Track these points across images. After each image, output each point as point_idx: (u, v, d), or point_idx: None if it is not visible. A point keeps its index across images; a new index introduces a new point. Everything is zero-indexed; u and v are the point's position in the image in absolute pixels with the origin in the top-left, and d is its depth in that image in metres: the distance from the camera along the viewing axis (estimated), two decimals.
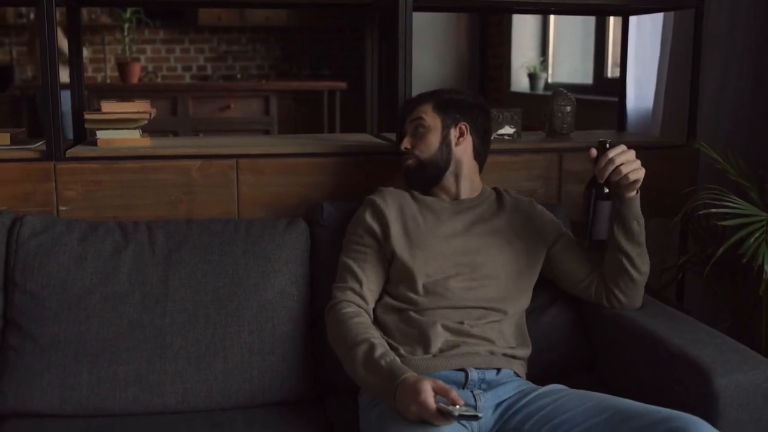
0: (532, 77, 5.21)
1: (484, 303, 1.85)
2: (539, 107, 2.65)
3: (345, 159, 2.25)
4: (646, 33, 3.34)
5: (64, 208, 2.11)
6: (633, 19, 2.97)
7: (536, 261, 1.97)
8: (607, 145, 1.80)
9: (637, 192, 1.85)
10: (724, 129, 2.76)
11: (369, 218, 1.93)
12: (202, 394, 1.86)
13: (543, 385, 1.75)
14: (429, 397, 1.48)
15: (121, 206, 2.14)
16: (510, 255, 1.93)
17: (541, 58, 5.32)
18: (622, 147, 1.80)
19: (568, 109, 2.52)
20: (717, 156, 2.30)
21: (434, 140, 1.98)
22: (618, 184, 1.82)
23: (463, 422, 1.57)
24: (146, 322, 1.88)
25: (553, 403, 1.66)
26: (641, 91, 3.37)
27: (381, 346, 1.68)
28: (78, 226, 1.98)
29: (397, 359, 1.64)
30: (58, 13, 2.16)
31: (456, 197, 2.00)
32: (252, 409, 1.87)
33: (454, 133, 1.99)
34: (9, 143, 2.17)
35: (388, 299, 1.88)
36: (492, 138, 2.12)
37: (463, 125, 2.00)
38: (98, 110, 2.23)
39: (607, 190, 1.82)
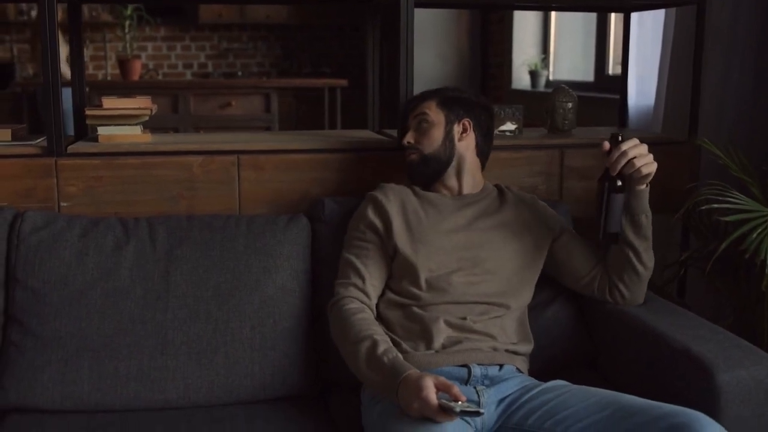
0: (533, 75, 5.21)
1: (486, 298, 1.85)
2: (540, 105, 2.64)
3: (346, 155, 2.25)
4: (648, 29, 3.33)
5: (65, 204, 2.11)
6: (634, 16, 2.96)
7: (539, 256, 1.97)
8: (620, 138, 1.80)
9: (647, 186, 1.86)
10: (726, 125, 2.76)
11: (371, 214, 1.93)
12: (204, 390, 1.86)
13: (545, 381, 1.75)
14: (431, 393, 1.47)
15: (122, 202, 2.14)
16: (512, 250, 1.93)
17: (542, 56, 5.32)
18: (635, 140, 1.80)
19: (570, 105, 2.51)
20: (719, 152, 2.30)
21: (437, 135, 1.98)
22: (630, 177, 1.83)
23: (466, 418, 1.57)
24: (147, 318, 1.88)
25: (556, 399, 1.66)
26: (643, 88, 3.36)
27: (384, 342, 1.68)
28: (79, 222, 1.98)
29: (400, 356, 1.64)
30: (59, 11, 2.16)
31: (458, 193, 2.00)
32: (253, 404, 1.87)
33: (457, 128, 1.99)
34: (10, 139, 2.16)
35: (390, 295, 1.87)
36: (494, 134, 2.12)
37: (466, 121, 2.00)
38: (99, 106, 2.23)
39: (620, 183, 1.82)
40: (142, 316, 1.88)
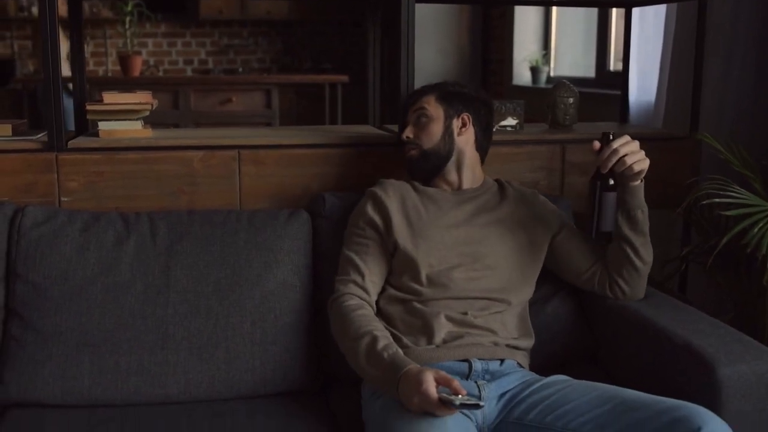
0: (534, 71, 5.20)
1: (487, 293, 1.85)
2: (541, 101, 2.64)
3: (347, 150, 2.25)
4: (649, 25, 3.33)
5: (65, 199, 2.11)
6: (636, 11, 2.96)
7: (539, 251, 1.97)
8: (611, 137, 1.79)
9: (642, 181, 1.85)
10: (727, 120, 2.75)
11: (370, 210, 1.92)
12: (204, 385, 1.86)
13: (546, 376, 1.75)
14: (431, 387, 1.47)
15: (122, 197, 2.13)
16: (513, 245, 1.93)
17: (543, 52, 5.31)
18: (626, 138, 1.79)
19: (571, 100, 2.51)
20: (720, 147, 2.30)
21: (437, 130, 1.98)
22: (622, 175, 1.82)
23: (466, 412, 1.57)
24: (148, 313, 1.88)
25: (557, 394, 1.65)
26: (644, 83, 3.36)
27: (384, 338, 1.68)
28: (80, 217, 1.98)
29: (400, 351, 1.64)
30: (60, 5, 2.15)
31: (458, 187, 2.00)
32: (254, 399, 1.87)
33: (456, 123, 1.99)
34: (10, 134, 2.16)
35: (391, 290, 1.87)
36: (494, 129, 2.11)
37: (465, 116, 2.00)
38: (100, 101, 2.23)
39: (612, 182, 1.82)
40: (143, 310, 1.88)
